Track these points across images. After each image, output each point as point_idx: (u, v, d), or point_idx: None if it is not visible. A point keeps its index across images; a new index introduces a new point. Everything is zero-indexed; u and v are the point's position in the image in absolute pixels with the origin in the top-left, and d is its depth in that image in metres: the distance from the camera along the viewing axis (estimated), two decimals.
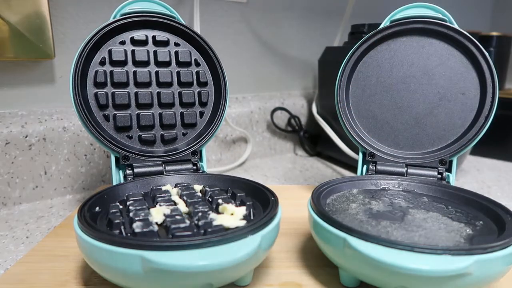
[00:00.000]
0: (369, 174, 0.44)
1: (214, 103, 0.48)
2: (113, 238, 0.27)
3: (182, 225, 0.30)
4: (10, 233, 0.44)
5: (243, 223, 0.31)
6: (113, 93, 0.43)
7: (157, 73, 0.45)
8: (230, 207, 0.34)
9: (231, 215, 0.33)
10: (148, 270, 0.26)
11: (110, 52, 0.43)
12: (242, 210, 0.33)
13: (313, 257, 0.37)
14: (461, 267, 0.25)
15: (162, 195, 0.37)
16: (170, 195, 0.38)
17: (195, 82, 0.47)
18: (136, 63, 0.44)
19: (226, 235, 0.27)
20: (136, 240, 0.27)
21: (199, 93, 0.47)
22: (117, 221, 0.31)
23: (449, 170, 0.44)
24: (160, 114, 0.45)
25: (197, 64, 0.47)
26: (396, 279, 0.27)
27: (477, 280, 0.27)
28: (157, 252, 0.26)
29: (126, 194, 0.38)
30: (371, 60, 0.46)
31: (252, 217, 0.34)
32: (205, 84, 0.47)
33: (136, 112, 0.45)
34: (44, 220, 0.48)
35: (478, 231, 0.32)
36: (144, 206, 0.34)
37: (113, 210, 0.33)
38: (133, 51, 0.44)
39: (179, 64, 0.46)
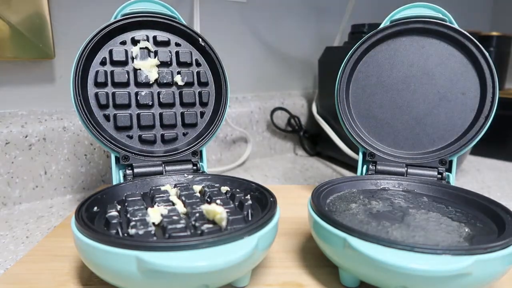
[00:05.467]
0: (369, 174, 0.44)
1: (214, 103, 0.48)
2: (108, 238, 0.27)
3: (178, 226, 0.30)
4: (10, 233, 0.44)
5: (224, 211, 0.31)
6: (113, 93, 0.43)
7: (158, 73, 0.45)
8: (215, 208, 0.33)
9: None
10: (143, 271, 0.26)
11: (111, 52, 0.43)
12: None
13: (313, 257, 0.37)
14: (461, 267, 0.25)
15: (161, 195, 0.37)
16: (169, 195, 0.38)
17: (195, 82, 0.47)
18: None
19: (222, 236, 0.27)
20: (131, 240, 0.27)
21: (199, 93, 0.47)
22: (114, 221, 0.31)
23: (449, 170, 0.44)
24: (161, 114, 0.45)
25: (198, 64, 0.47)
26: (396, 279, 0.27)
27: (477, 280, 0.27)
28: (152, 252, 0.26)
29: (125, 194, 0.38)
30: (371, 60, 0.46)
31: (250, 218, 0.34)
32: (205, 84, 0.47)
33: (137, 112, 0.45)
34: (44, 220, 0.48)
35: (478, 231, 0.32)
36: (142, 206, 0.34)
37: (111, 210, 0.33)
38: (133, 51, 0.44)
39: (180, 64, 0.46)
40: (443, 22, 0.43)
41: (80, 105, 0.41)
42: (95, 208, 0.35)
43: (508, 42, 0.81)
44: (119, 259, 0.26)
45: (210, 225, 0.31)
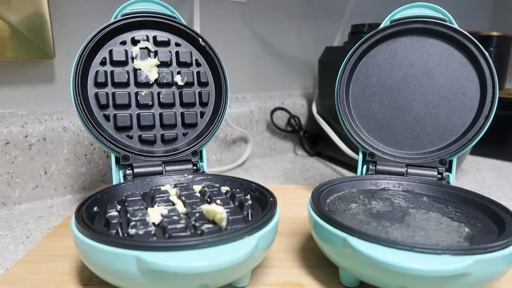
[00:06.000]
0: (369, 174, 0.44)
1: (214, 103, 0.48)
2: (108, 238, 0.27)
3: (178, 226, 0.30)
4: (10, 233, 0.44)
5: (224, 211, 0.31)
6: (113, 93, 0.43)
7: (158, 73, 0.45)
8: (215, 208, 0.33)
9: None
10: (144, 271, 0.26)
11: (111, 52, 0.43)
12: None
13: (313, 257, 0.37)
14: (461, 267, 0.25)
15: (161, 195, 0.37)
16: (169, 195, 0.38)
17: (195, 82, 0.47)
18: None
19: (222, 235, 0.27)
20: (131, 240, 0.27)
21: (199, 93, 0.47)
22: (114, 221, 0.31)
23: (449, 170, 0.44)
24: (161, 114, 0.45)
25: (198, 64, 0.47)
26: (396, 279, 0.27)
27: (477, 280, 0.27)
28: (152, 252, 0.26)
29: (125, 194, 0.38)
30: (371, 60, 0.46)
31: (250, 218, 0.34)
32: (205, 84, 0.47)
33: (137, 112, 0.45)
34: (44, 220, 0.48)
35: (478, 231, 0.32)
36: (142, 207, 0.34)
37: (111, 210, 0.33)
38: (133, 51, 0.44)
39: (180, 64, 0.46)
40: (443, 22, 0.43)
41: (80, 105, 0.41)
42: (95, 208, 0.35)
43: (508, 42, 0.81)
44: (119, 259, 0.26)
45: (210, 225, 0.31)
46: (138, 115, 0.44)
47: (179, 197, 0.38)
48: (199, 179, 0.42)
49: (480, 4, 1.15)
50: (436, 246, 0.27)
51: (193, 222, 0.32)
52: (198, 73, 0.47)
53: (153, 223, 0.32)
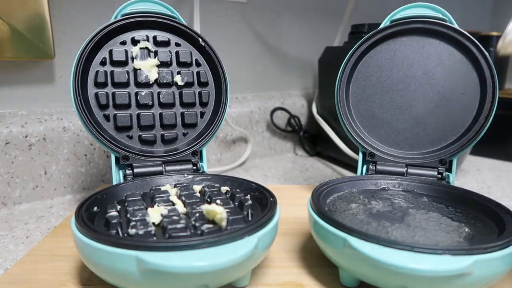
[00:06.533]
0: (369, 174, 0.44)
1: (214, 103, 0.48)
2: (108, 238, 0.27)
3: (178, 226, 0.30)
4: (10, 233, 0.44)
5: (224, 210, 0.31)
6: (113, 93, 0.43)
7: (158, 73, 0.45)
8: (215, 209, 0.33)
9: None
10: (143, 271, 0.26)
11: (110, 52, 0.43)
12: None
13: (313, 257, 0.37)
14: (461, 267, 0.25)
15: (161, 195, 0.37)
16: (169, 195, 0.38)
17: (195, 82, 0.47)
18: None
19: (222, 235, 0.27)
20: (131, 240, 0.27)
21: (199, 93, 0.47)
22: (114, 221, 0.31)
23: (449, 170, 0.44)
24: (161, 114, 0.45)
25: (198, 64, 0.47)
26: (396, 279, 0.27)
27: (477, 280, 0.27)
28: (152, 252, 0.26)
29: (125, 194, 0.38)
30: (371, 60, 0.46)
31: (250, 218, 0.34)
32: (205, 84, 0.47)
33: (137, 112, 0.45)
34: (44, 220, 0.48)
35: (478, 231, 0.32)
36: (142, 207, 0.34)
37: (111, 210, 0.33)
38: (133, 51, 0.44)
39: (180, 64, 0.46)
40: (443, 22, 0.43)
41: (80, 105, 0.41)
42: (95, 208, 0.35)
43: None
44: (119, 259, 0.26)
45: (210, 225, 0.31)
46: (138, 115, 0.44)
47: (179, 197, 0.38)
48: (199, 179, 0.42)
49: (480, 4, 1.15)
50: (436, 246, 0.27)
51: (193, 222, 0.32)
52: (198, 73, 0.47)
53: (153, 223, 0.32)
